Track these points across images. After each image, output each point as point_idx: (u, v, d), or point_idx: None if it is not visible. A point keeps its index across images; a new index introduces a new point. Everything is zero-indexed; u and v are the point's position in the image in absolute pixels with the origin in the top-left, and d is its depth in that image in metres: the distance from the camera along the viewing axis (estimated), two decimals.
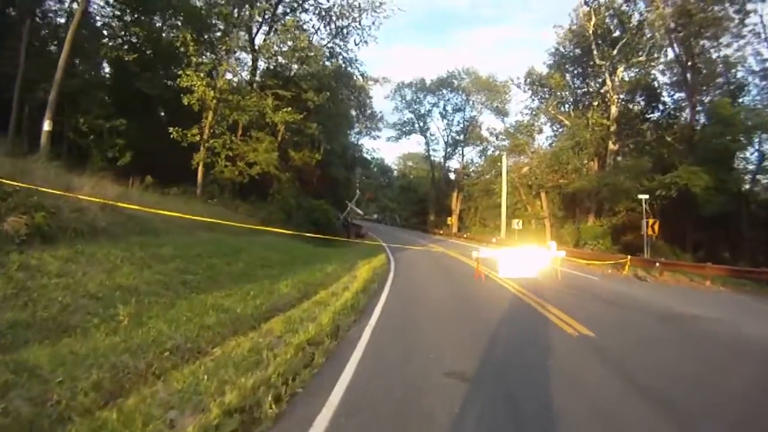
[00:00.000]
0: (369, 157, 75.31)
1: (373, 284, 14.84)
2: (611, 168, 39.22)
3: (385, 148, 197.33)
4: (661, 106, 42.20)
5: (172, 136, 26.23)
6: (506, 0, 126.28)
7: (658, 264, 20.84)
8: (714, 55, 35.06)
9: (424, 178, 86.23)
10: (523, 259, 16.85)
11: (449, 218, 62.75)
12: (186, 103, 26.19)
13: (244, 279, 13.10)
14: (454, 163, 72.29)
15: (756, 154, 31.91)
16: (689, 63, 35.97)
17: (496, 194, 58.69)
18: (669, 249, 29.85)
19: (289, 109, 27.48)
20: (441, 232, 59.45)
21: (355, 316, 9.97)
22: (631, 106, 43.76)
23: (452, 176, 72.65)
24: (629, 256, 22.00)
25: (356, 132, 67.88)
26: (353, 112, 53.97)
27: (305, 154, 31.86)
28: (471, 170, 67.89)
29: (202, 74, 26.39)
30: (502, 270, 16.56)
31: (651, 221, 24.15)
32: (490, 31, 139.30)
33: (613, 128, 40.77)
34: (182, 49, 26.34)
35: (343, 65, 38.15)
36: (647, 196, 25.68)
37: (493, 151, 62.07)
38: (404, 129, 73.65)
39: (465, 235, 50.64)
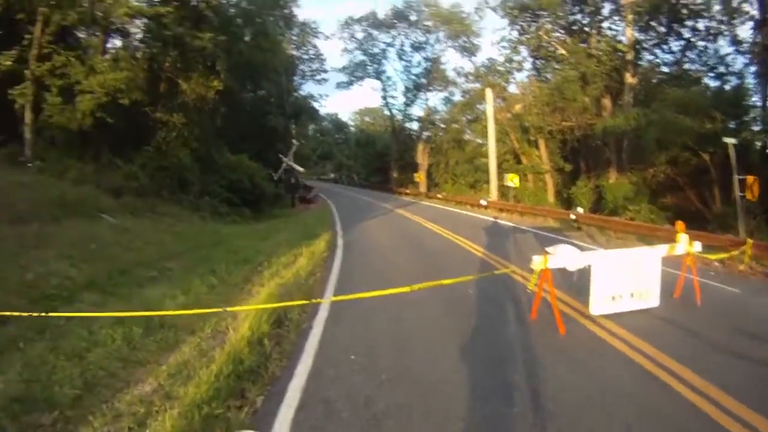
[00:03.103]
0: (317, 106, 63.99)
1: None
2: (626, 104, 30.18)
3: (338, 103, 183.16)
4: (687, 33, 32.23)
5: None
6: None
7: None
8: None
9: (383, 132, 75.76)
10: (635, 272, 7.07)
11: (416, 174, 52.39)
12: None
13: None
14: (416, 111, 61.67)
15: None
16: None
17: (470, 144, 49.53)
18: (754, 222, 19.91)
19: None
20: (408, 191, 49.32)
21: None
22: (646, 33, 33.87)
23: (415, 126, 62.08)
24: (750, 240, 11.87)
25: (299, 77, 58.28)
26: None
27: (197, 81, 20.73)
28: (437, 118, 58.18)
29: None
30: (597, 299, 6.77)
31: (751, 180, 14.55)
32: None
33: (629, 56, 31.17)
34: None
35: None
36: (734, 141, 16.29)
37: (462, 95, 52.86)
38: (356, 74, 62.10)
39: (439, 196, 40.37)
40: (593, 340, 6.12)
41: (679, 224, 9.36)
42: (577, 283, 7.78)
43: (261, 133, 39.25)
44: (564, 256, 6.82)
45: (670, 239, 9.79)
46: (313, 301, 6.93)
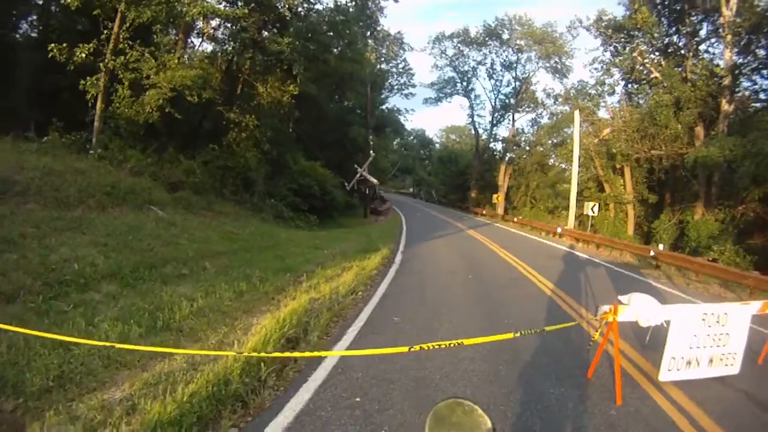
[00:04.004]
0: (403, 120, 63.36)
1: None
2: (721, 133, 27.24)
3: (426, 119, 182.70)
4: None
5: (51, 54, 16.35)
6: None
7: None
8: None
9: (468, 151, 74.09)
10: (719, 333, 5.77)
11: (495, 195, 50.57)
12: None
13: None
14: (502, 131, 59.76)
15: None
16: None
17: (553, 169, 48.42)
18: None
19: None
20: (484, 212, 47.88)
21: None
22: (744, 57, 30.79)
23: (499, 146, 60.16)
24: None
25: (387, 90, 58.21)
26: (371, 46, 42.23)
27: (273, 84, 20.50)
28: (522, 140, 55.74)
29: None
30: (670, 364, 5.52)
31: None
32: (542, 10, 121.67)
33: (727, 81, 28.42)
34: None
35: None
36: None
37: (550, 118, 51.08)
38: (445, 90, 60.86)
39: (515, 219, 38.72)
40: (655, 416, 4.87)
41: None
42: (650, 336, 6.49)
43: (342, 143, 39.15)
44: (638, 309, 5.50)
45: (760, 289, 8.36)
46: (304, 354, 5.91)
